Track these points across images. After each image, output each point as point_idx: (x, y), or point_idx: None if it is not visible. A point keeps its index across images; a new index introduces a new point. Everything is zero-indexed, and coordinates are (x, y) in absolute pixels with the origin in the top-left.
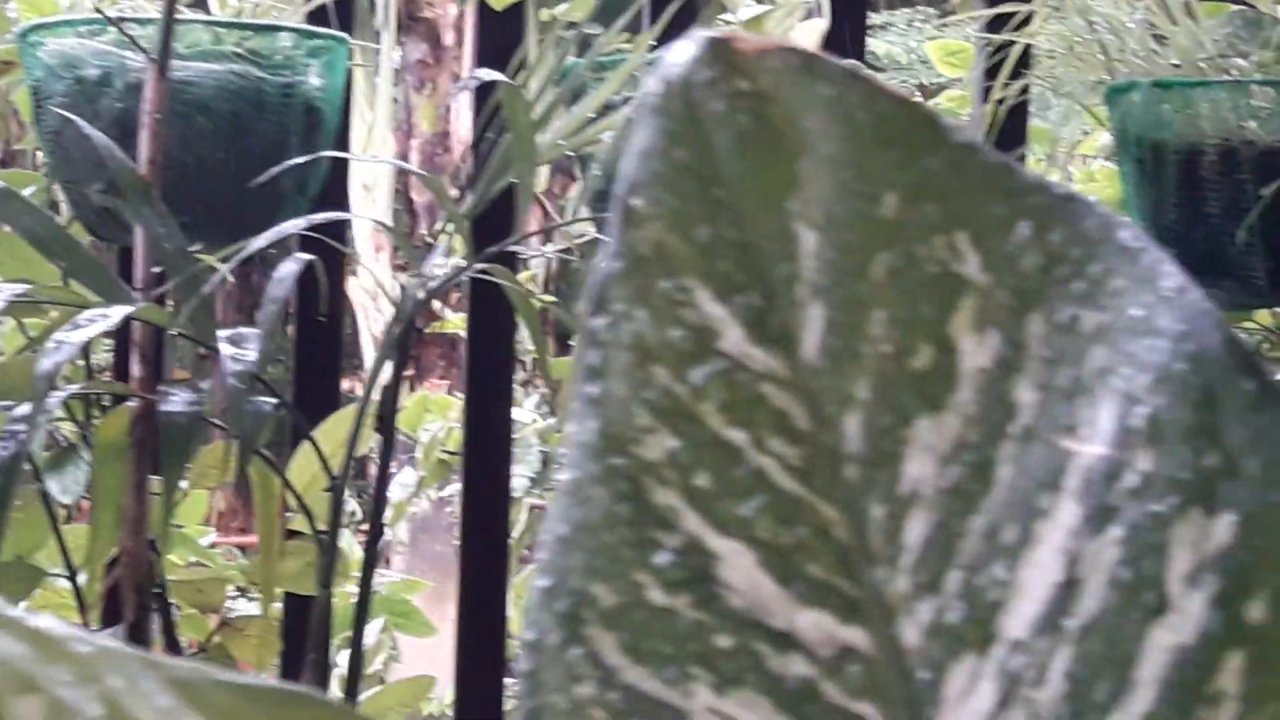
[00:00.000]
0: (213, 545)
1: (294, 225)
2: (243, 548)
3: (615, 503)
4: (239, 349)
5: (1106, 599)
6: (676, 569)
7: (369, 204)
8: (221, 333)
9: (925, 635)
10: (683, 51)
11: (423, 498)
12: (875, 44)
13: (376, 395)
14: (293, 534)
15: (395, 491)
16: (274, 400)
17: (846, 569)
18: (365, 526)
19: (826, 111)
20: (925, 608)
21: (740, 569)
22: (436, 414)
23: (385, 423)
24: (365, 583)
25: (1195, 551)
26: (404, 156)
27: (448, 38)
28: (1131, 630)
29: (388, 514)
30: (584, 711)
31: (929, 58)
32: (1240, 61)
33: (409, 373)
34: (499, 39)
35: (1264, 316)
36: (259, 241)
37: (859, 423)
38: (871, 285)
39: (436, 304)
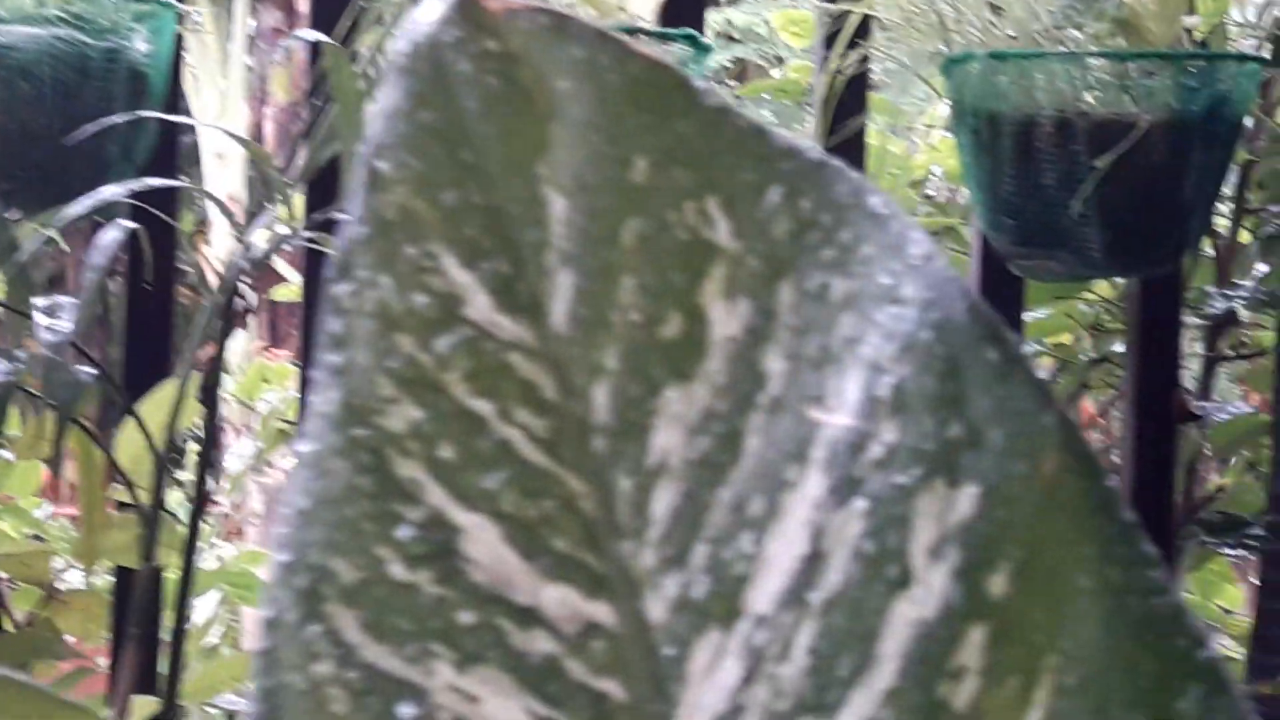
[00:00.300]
0: (51, 517)
1: (113, 191)
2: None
3: (357, 475)
4: (54, 318)
5: (850, 572)
6: (419, 543)
7: (222, 172)
8: (38, 301)
9: (671, 610)
10: (431, 10)
11: (274, 468)
12: (734, 15)
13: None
14: (125, 506)
15: (233, 463)
16: (94, 370)
17: (593, 543)
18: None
19: (577, 73)
20: (671, 582)
21: (484, 543)
22: (275, 383)
23: (208, 393)
24: (189, 555)
25: (938, 524)
26: (258, 124)
27: (302, 4)
28: (875, 604)
29: (226, 485)
30: (321, 691)
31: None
32: (1076, 33)
33: (262, 343)
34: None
35: (1103, 288)
36: (77, 208)
37: (607, 393)
38: (622, 252)
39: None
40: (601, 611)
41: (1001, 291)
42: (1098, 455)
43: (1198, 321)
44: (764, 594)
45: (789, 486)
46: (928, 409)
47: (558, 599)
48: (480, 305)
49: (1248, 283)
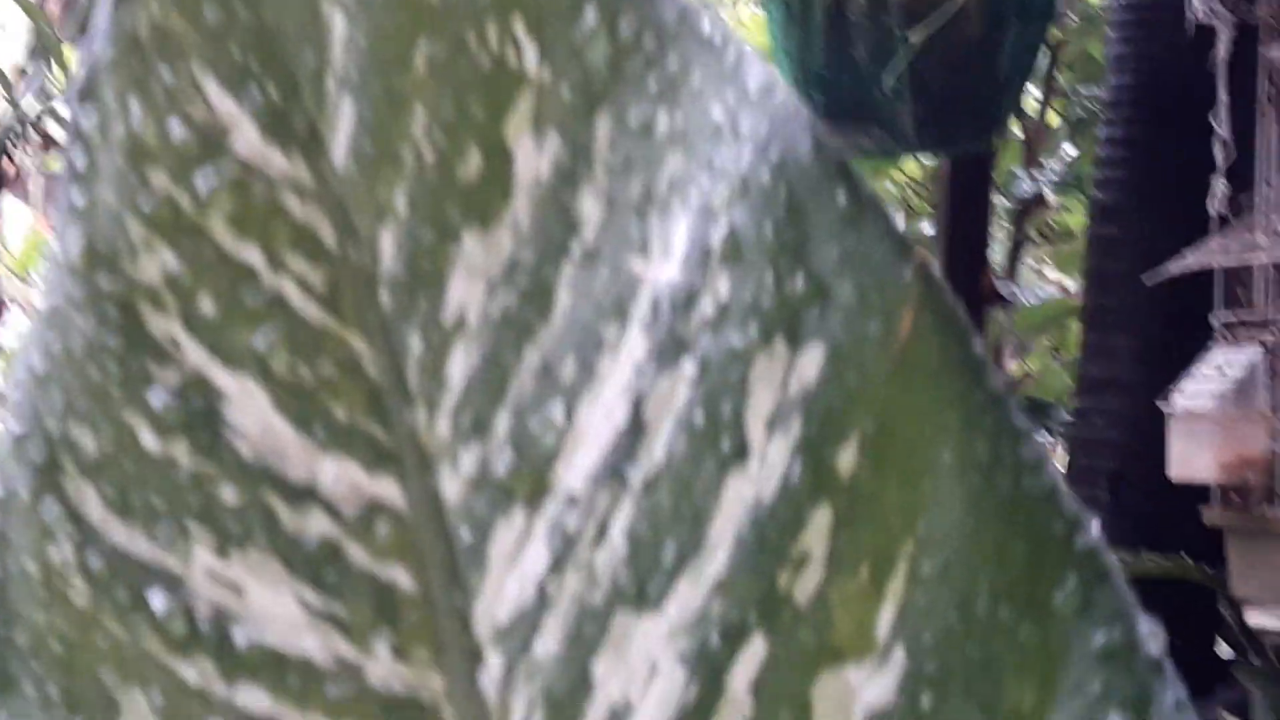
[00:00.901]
0: None
1: None
2: None
3: (102, 331)
4: None
5: (676, 446)
6: (175, 410)
7: (3, 43)
8: None
9: (468, 488)
10: None
11: None
12: None
13: None
14: None
15: (9, 339)
16: None
17: (378, 411)
18: None
19: None
20: (469, 456)
21: (251, 410)
22: None
23: None
24: None
25: (778, 390)
26: None
27: None
28: (705, 483)
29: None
30: (59, 578)
31: None
32: None
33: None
34: None
35: (912, 168)
36: None
37: (396, 239)
38: (413, 78)
39: None
40: (387, 489)
41: None
42: (959, 310)
43: (1005, 204)
44: (576, 470)
45: (606, 348)
46: (766, 260)
47: (336, 474)
48: (248, 137)
49: (1056, 165)
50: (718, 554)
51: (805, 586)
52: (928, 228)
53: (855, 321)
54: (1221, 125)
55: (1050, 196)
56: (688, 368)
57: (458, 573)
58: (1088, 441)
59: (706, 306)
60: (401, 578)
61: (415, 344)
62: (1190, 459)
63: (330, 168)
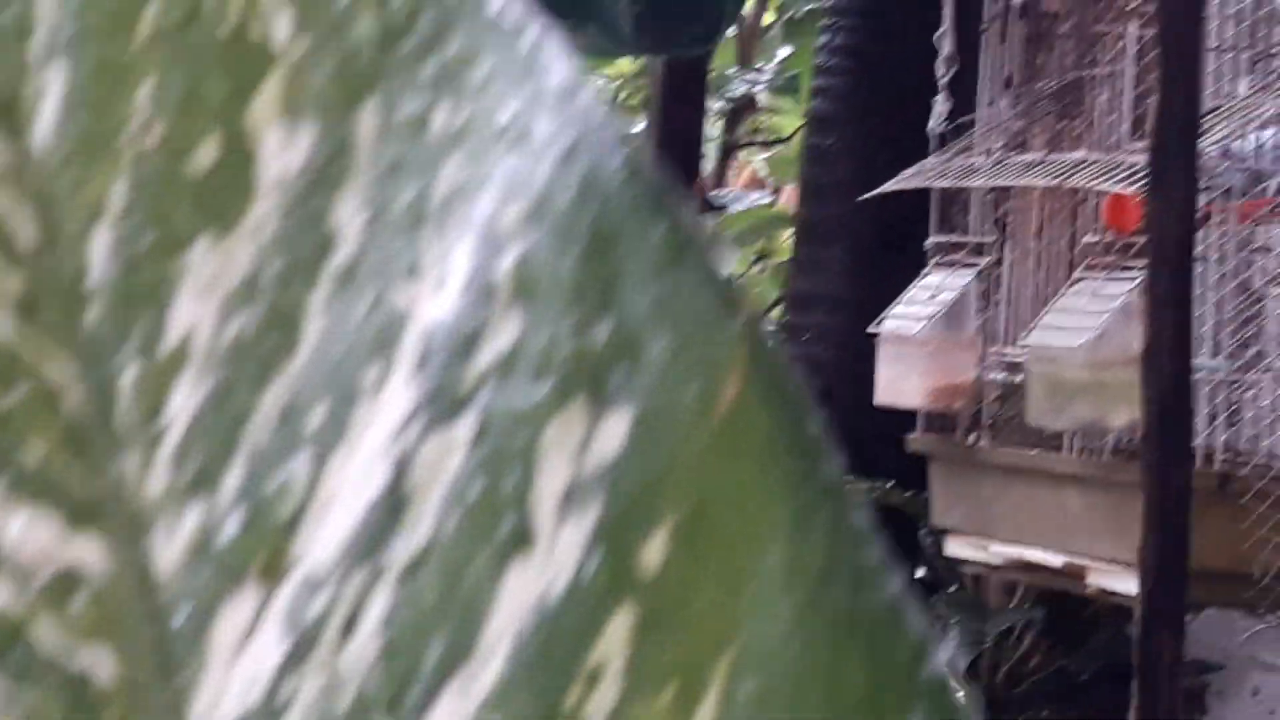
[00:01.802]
0: None
1: None
2: None
3: None
4: None
5: (447, 525)
6: None
7: None
8: None
9: (188, 556)
10: None
11: None
12: None
13: None
14: None
15: None
16: None
17: (79, 455)
18: None
19: None
20: (190, 517)
21: None
22: None
23: None
24: None
25: (574, 463)
26: None
27: None
28: (480, 572)
29: None
30: None
31: None
32: None
33: None
34: None
35: (625, 64)
36: None
37: (110, 243)
38: (136, 46)
39: None
40: (87, 553)
41: None
42: (800, 380)
43: (719, 105)
44: (322, 544)
45: (364, 395)
46: (565, 301)
47: (22, 533)
48: None
49: (770, 66)
50: (492, 662)
51: (598, 706)
52: (639, 126)
53: (670, 384)
54: (945, 43)
55: (762, 99)
56: (464, 428)
57: (170, 662)
58: (794, 357)
59: (489, 354)
60: (100, 666)
61: (129, 374)
62: (898, 384)
63: (30, 150)
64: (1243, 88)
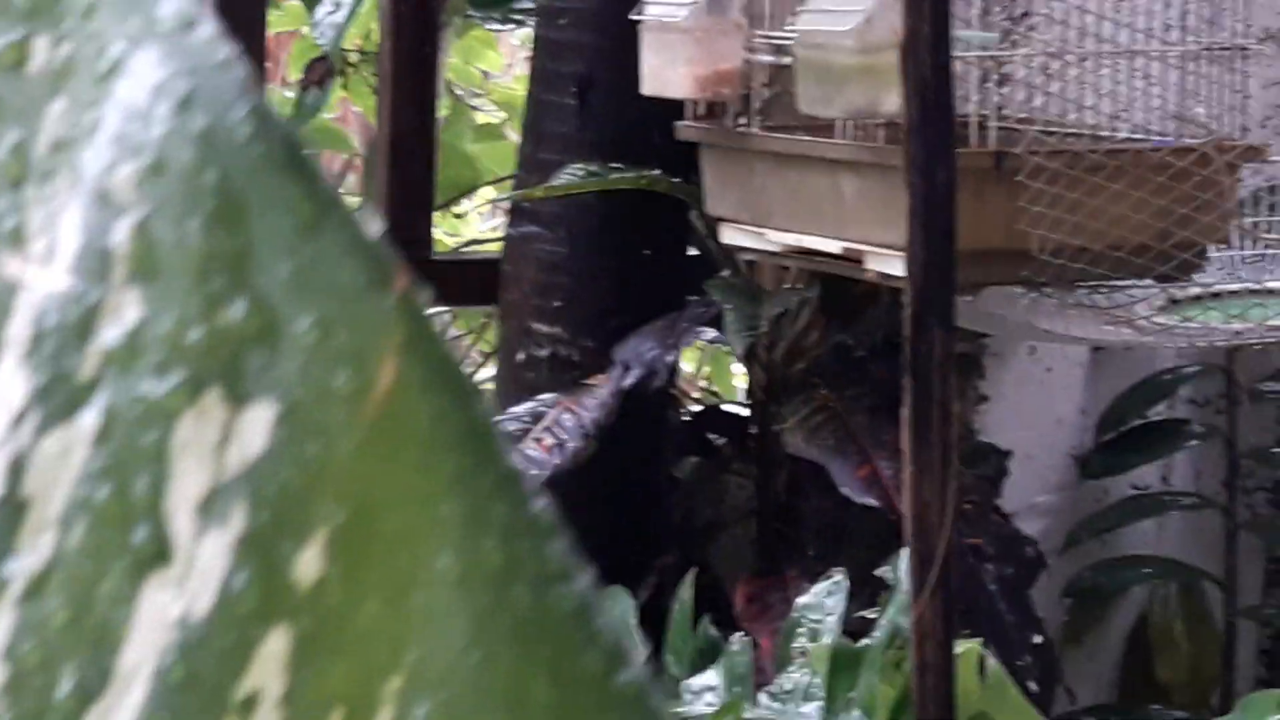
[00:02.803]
0: None
1: None
2: None
3: None
4: None
5: (73, 535)
6: None
7: None
8: None
9: None
10: None
11: None
12: None
13: None
14: None
15: None
16: None
17: None
18: None
19: None
20: None
21: None
22: None
23: None
24: None
25: (212, 464)
26: None
27: None
28: (113, 590)
29: None
30: None
31: None
32: None
33: None
34: None
35: None
36: None
37: None
38: None
39: None
40: None
41: None
42: (458, 358)
43: None
44: None
45: None
46: (191, 277)
47: None
48: None
49: None
50: (131, 692)
51: None
52: None
53: (315, 372)
54: None
55: None
56: (87, 421)
57: None
58: (554, 43)
59: (110, 335)
60: None
61: None
62: (663, 72)
63: None
64: None
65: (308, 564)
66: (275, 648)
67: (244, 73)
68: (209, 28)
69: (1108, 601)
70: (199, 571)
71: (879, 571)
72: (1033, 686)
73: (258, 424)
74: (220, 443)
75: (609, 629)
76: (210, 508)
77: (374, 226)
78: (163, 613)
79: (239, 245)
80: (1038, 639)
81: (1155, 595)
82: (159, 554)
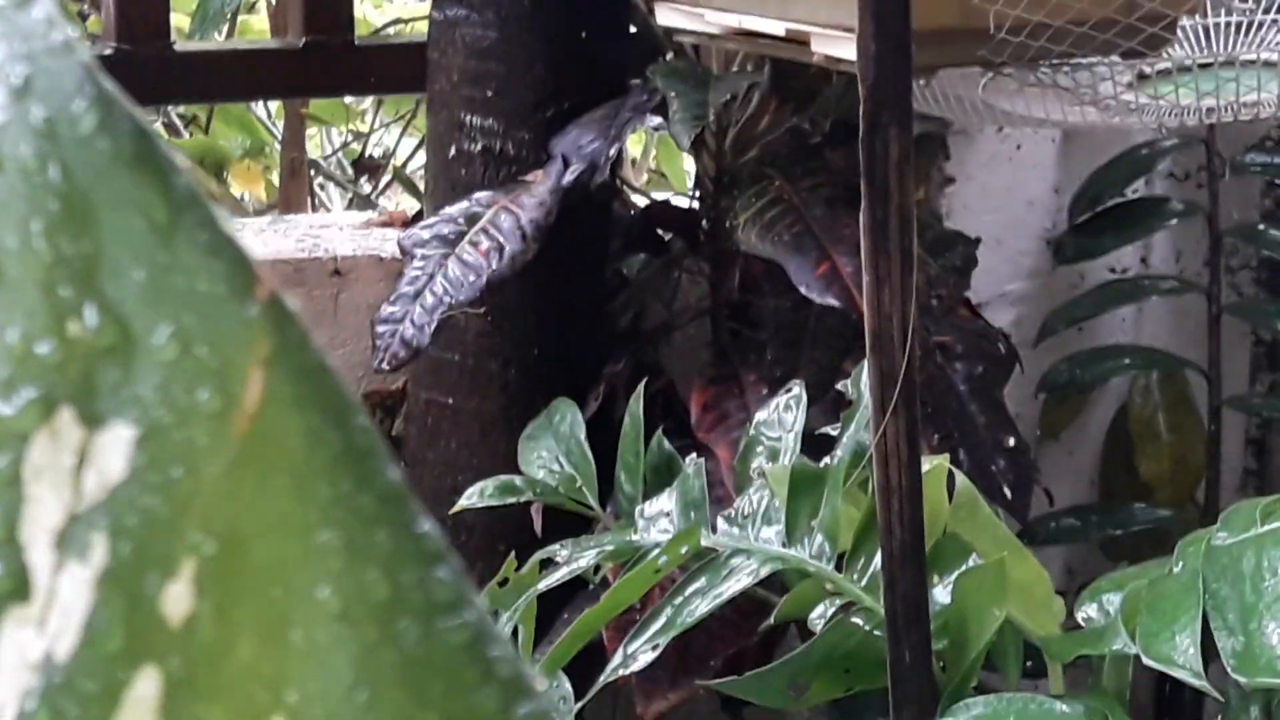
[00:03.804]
0: None
1: None
2: None
3: None
4: None
5: None
6: None
7: None
8: None
9: None
10: None
11: None
12: None
13: None
14: None
15: None
16: None
17: None
18: None
19: None
20: None
21: None
22: None
23: None
24: None
25: (69, 492)
26: None
27: None
28: None
29: None
30: None
31: None
32: None
33: None
34: None
35: None
36: None
37: None
38: None
39: None
40: None
41: None
42: (331, 367)
43: None
44: None
45: None
46: (35, 286)
47: None
48: None
49: None
50: None
51: None
52: None
53: (177, 387)
54: None
55: None
56: None
57: None
58: None
59: None
60: None
61: None
62: None
63: None
64: None
65: (176, 600)
66: (145, 691)
67: (86, 57)
68: (44, 6)
69: (1085, 394)
70: (61, 607)
71: (839, 385)
72: (1006, 493)
73: (116, 447)
74: (76, 468)
75: (506, 658)
76: (69, 539)
77: (234, 226)
78: (23, 653)
79: (85, 251)
80: (1011, 441)
81: (1135, 386)
82: (16, 590)
